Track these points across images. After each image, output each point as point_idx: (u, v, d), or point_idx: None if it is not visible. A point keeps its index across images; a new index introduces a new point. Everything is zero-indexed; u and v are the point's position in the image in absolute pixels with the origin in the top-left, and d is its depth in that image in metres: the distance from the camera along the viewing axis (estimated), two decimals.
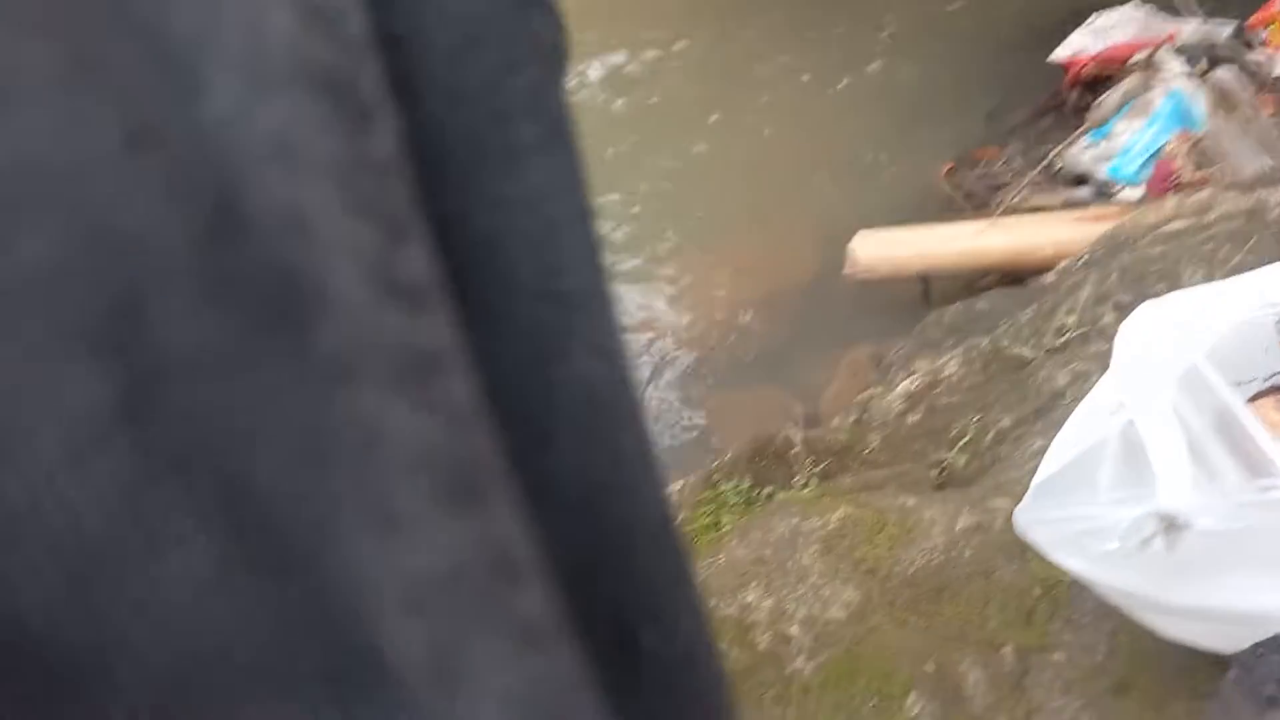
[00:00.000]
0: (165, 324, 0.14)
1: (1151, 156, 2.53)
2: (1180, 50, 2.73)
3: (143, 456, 0.14)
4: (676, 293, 2.95)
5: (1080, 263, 2.05)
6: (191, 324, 0.14)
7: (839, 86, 3.26)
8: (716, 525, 1.36)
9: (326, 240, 0.15)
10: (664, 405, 2.52)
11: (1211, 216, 1.85)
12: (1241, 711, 0.99)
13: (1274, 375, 1.08)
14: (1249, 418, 0.94)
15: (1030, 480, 1.08)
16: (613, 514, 0.22)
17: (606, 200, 3.12)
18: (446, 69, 0.20)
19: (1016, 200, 2.63)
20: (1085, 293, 1.81)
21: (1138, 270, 1.79)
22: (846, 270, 2.45)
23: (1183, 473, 0.86)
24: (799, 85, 3.30)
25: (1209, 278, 1.62)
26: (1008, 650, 1.09)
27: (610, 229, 3.07)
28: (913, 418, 1.75)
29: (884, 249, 2.40)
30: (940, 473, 1.47)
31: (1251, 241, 1.67)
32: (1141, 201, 2.30)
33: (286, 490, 0.14)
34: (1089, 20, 2.95)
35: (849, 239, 2.55)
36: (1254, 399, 1.03)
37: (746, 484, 1.52)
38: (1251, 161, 2.39)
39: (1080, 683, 1.06)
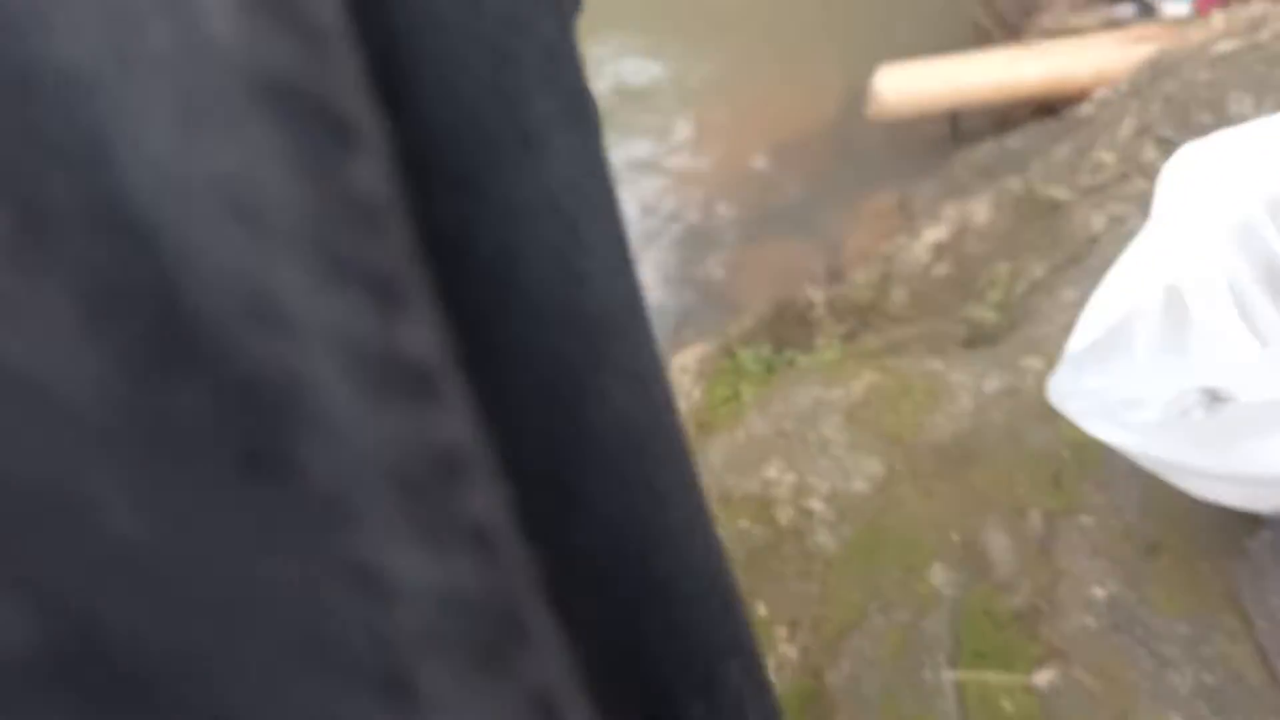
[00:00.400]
0: (91, 522, 0.09)
1: None
2: None
3: (78, 703, 0.10)
4: (692, 140, 2.83)
5: (1120, 92, 1.92)
6: (128, 509, 0.10)
7: None
8: (736, 396, 1.33)
9: (302, 326, 0.11)
10: (678, 264, 2.46)
11: (1265, 34, 1.71)
12: (1271, 572, 0.97)
13: None
14: None
15: (1063, 337, 1.02)
16: (654, 571, 0.18)
17: (625, 44, 2.96)
18: (437, 39, 0.15)
19: (1052, 23, 2.46)
20: (1125, 126, 1.70)
21: (1183, 99, 1.67)
22: (870, 111, 2.33)
23: (1231, 339, 0.80)
24: None
25: (1260, 106, 1.51)
26: (1034, 515, 1.07)
27: (627, 75, 2.93)
28: (940, 269, 1.68)
29: (909, 85, 2.26)
30: (970, 329, 1.42)
31: None
32: (1189, 19, 2.13)
33: (274, 702, 0.11)
34: None
35: (872, 75, 2.40)
36: None
37: (766, 350, 1.48)
38: None
39: (1108, 545, 1.04)
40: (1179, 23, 2.12)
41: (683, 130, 2.85)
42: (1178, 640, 0.95)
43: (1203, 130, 1.21)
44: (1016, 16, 2.57)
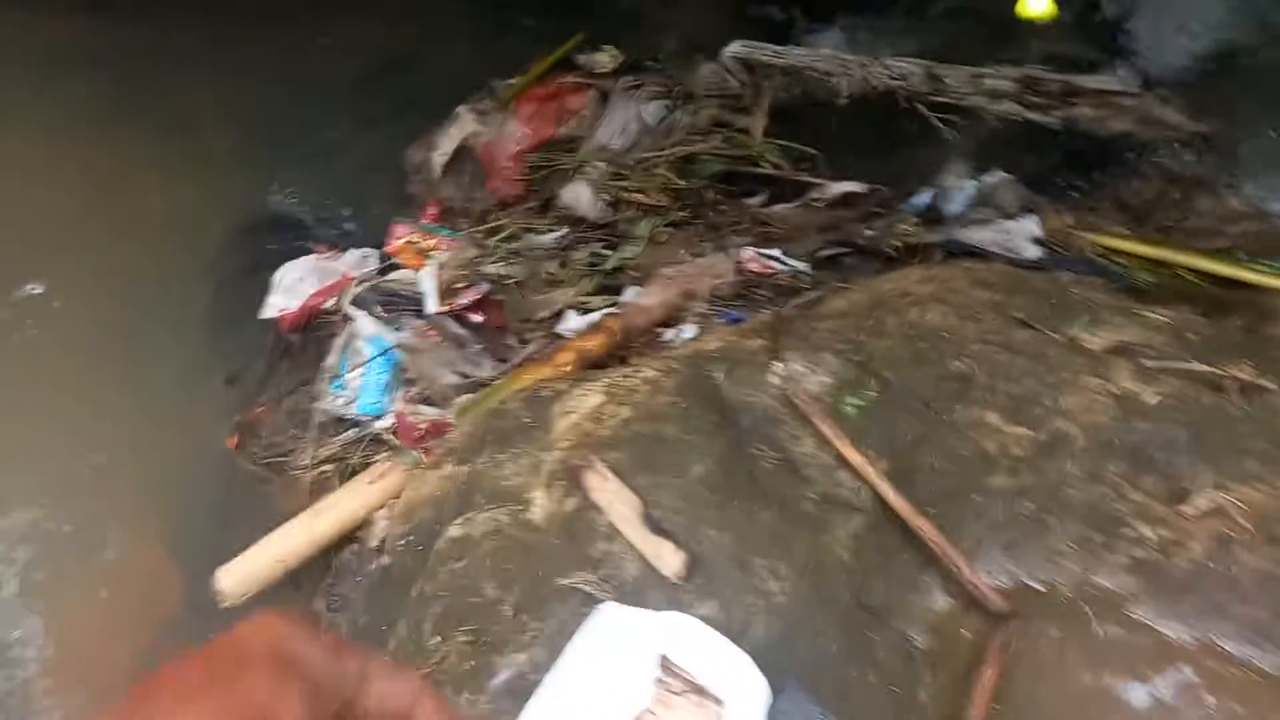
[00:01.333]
0: None
1: (384, 389, 3.42)
2: (360, 289, 3.61)
3: None
4: (57, 662, 3.09)
5: (406, 543, 2.91)
6: None
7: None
8: None
9: None
10: None
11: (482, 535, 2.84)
12: None
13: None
14: None
15: None
16: None
17: None
18: None
19: (313, 456, 3.34)
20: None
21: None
22: (223, 605, 2.95)
23: None
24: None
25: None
26: None
27: None
28: None
29: (246, 575, 2.95)
30: None
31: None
32: (407, 456, 3.19)
33: None
34: (277, 278, 3.63)
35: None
36: None
37: None
38: (443, 378, 3.43)
39: None
40: (408, 461, 3.17)
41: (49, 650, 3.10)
42: None
43: None
44: (279, 459, 3.39)
